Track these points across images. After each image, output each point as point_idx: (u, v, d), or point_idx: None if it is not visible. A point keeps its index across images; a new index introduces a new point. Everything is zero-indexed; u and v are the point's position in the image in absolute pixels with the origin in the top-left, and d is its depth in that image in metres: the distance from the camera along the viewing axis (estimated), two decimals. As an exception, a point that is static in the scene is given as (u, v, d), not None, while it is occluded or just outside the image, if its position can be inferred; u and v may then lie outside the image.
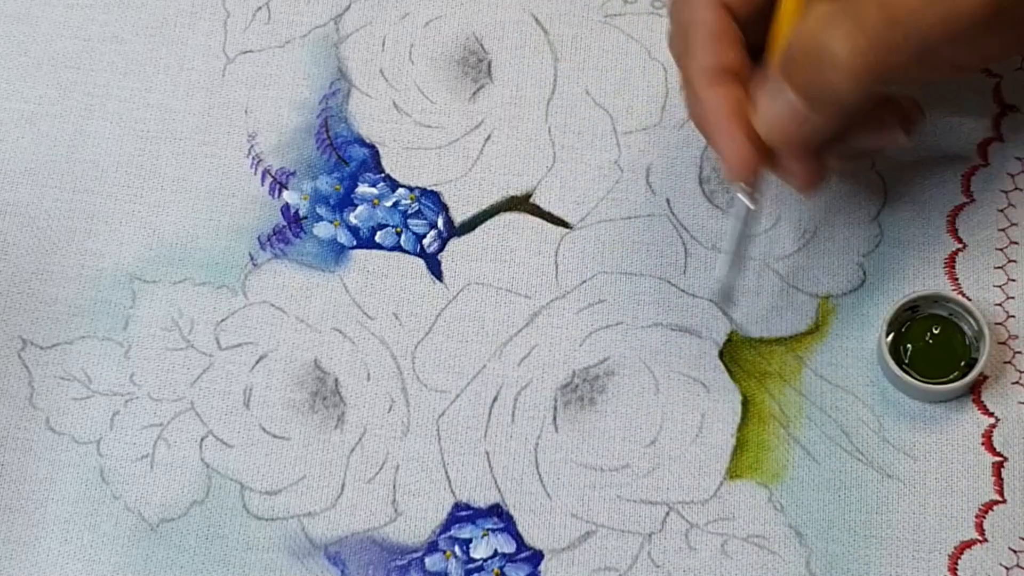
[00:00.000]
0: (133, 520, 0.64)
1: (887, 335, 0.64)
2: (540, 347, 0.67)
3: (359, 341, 0.67)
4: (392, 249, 0.69)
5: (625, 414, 0.65)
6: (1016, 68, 0.69)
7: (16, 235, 0.69)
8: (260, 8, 0.73)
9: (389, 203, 0.69)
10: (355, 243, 0.69)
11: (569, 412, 0.65)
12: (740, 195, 0.60)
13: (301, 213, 0.69)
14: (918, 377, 0.64)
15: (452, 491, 0.65)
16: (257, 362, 0.67)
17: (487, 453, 0.65)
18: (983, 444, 0.64)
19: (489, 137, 0.71)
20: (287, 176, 0.70)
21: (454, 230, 0.69)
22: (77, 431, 0.66)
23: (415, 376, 0.66)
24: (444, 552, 0.64)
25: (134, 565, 0.64)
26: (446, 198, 0.69)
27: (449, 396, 0.66)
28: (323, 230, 0.69)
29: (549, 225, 0.69)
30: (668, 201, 0.69)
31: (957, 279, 0.67)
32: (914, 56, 0.56)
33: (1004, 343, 0.65)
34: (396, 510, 0.64)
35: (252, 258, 0.69)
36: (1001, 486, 0.63)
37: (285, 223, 0.69)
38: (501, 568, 0.63)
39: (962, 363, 0.64)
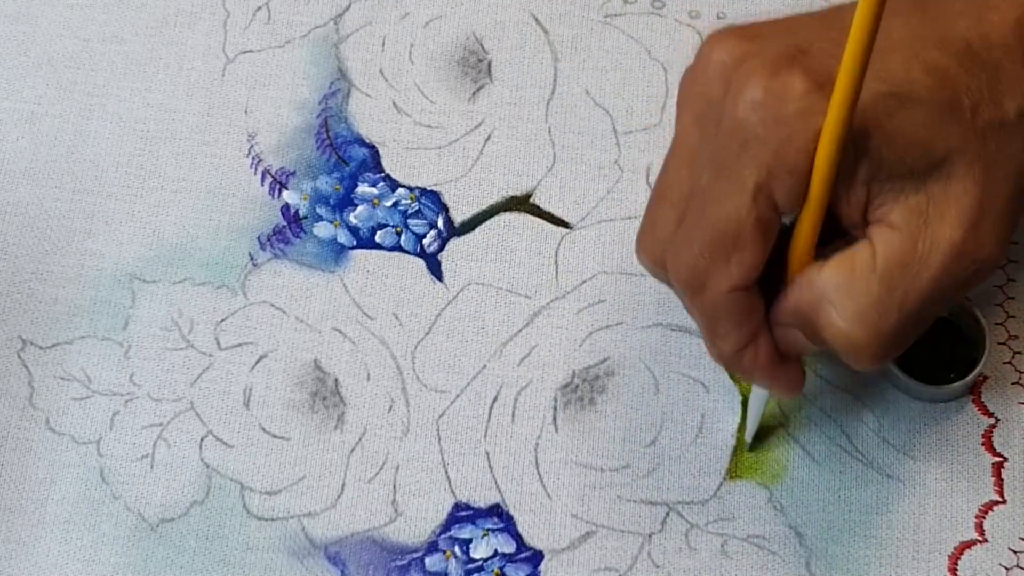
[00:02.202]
0: (133, 520, 0.64)
1: (887, 335, 0.64)
2: (540, 347, 0.67)
3: (359, 341, 0.67)
4: (392, 249, 0.69)
5: (625, 414, 0.65)
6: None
7: (16, 235, 0.69)
8: (260, 8, 0.73)
9: (389, 203, 0.69)
10: (355, 243, 0.69)
11: (569, 412, 0.65)
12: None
13: (301, 213, 0.69)
14: (918, 377, 0.64)
15: (452, 491, 0.65)
16: (257, 362, 0.67)
17: (487, 453, 0.65)
18: (983, 444, 0.64)
19: (489, 137, 0.71)
20: (287, 176, 0.70)
21: (454, 230, 0.69)
22: (77, 431, 0.66)
23: (415, 376, 0.66)
24: (444, 552, 0.64)
25: (134, 565, 0.63)
26: (446, 198, 0.70)
27: (449, 396, 0.66)
28: (323, 230, 0.69)
29: (549, 225, 0.69)
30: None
31: (957, 279, 0.67)
32: (921, 326, 0.56)
33: (1004, 343, 0.65)
34: (396, 510, 0.64)
35: (252, 258, 0.69)
36: (1001, 486, 0.63)
37: (285, 223, 0.69)
38: (501, 568, 0.63)
39: (962, 363, 0.64)
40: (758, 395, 0.62)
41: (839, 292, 0.54)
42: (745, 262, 0.54)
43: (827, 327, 0.55)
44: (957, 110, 0.53)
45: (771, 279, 0.56)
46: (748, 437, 0.64)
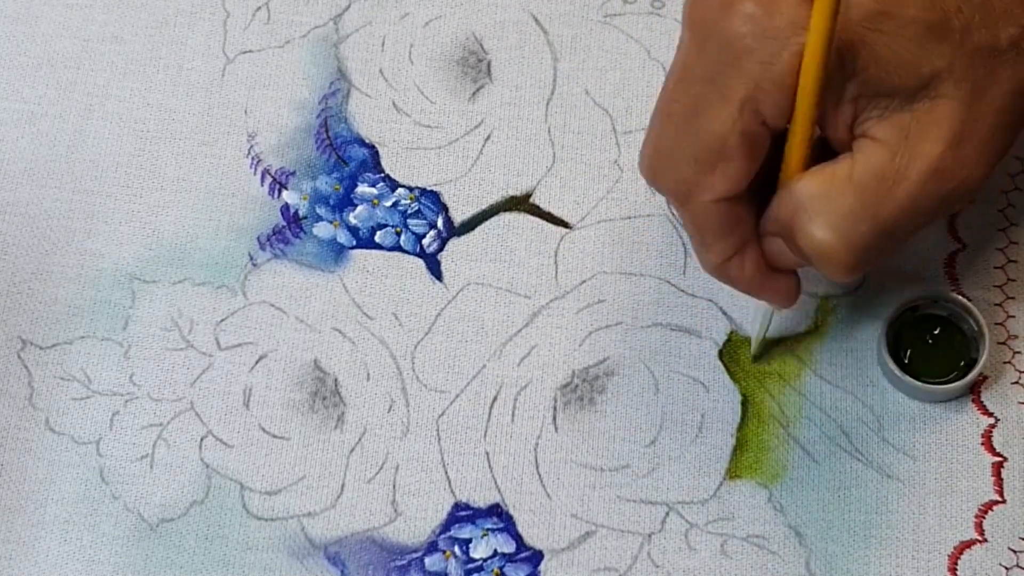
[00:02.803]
0: (133, 520, 0.64)
1: (887, 335, 0.64)
2: (540, 347, 0.67)
3: (359, 341, 0.67)
4: (392, 249, 0.69)
5: (625, 414, 0.65)
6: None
7: (16, 235, 0.69)
8: (260, 8, 0.73)
9: (389, 203, 0.69)
10: (355, 243, 0.69)
11: (569, 412, 0.65)
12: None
13: (301, 213, 0.69)
14: (918, 377, 0.64)
15: (452, 491, 0.65)
16: (257, 362, 0.67)
17: (487, 453, 0.65)
18: (983, 444, 0.64)
19: (489, 137, 0.71)
20: (287, 176, 0.70)
21: (454, 230, 0.69)
22: (77, 431, 0.66)
23: (415, 376, 0.66)
24: (444, 552, 0.64)
25: (134, 565, 0.64)
26: (446, 198, 0.70)
27: (449, 396, 0.66)
28: (323, 230, 0.69)
29: (549, 225, 0.69)
30: (668, 201, 0.69)
31: (957, 279, 0.67)
32: (897, 242, 0.56)
33: (1004, 343, 0.65)
34: (396, 510, 0.64)
35: (252, 258, 0.69)
36: (1001, 486, 0.63)
37: (285, 223, 0.69)
38: (501, 568, 0.63)
39: (962, 363, 0.64)
40: (760, 306, 0.63)
41: (815, 201, 0.55)
42: (730, 173, 0.55)
43: (802, 235, 0.55)
44: (946, 31, 0.53)
45: (769, 194, 0.57)
46: (753, 350, 0.65)
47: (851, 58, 0.53)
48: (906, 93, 0.54)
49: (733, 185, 0.55)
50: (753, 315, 0.65)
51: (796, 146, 0.55)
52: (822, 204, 0.55)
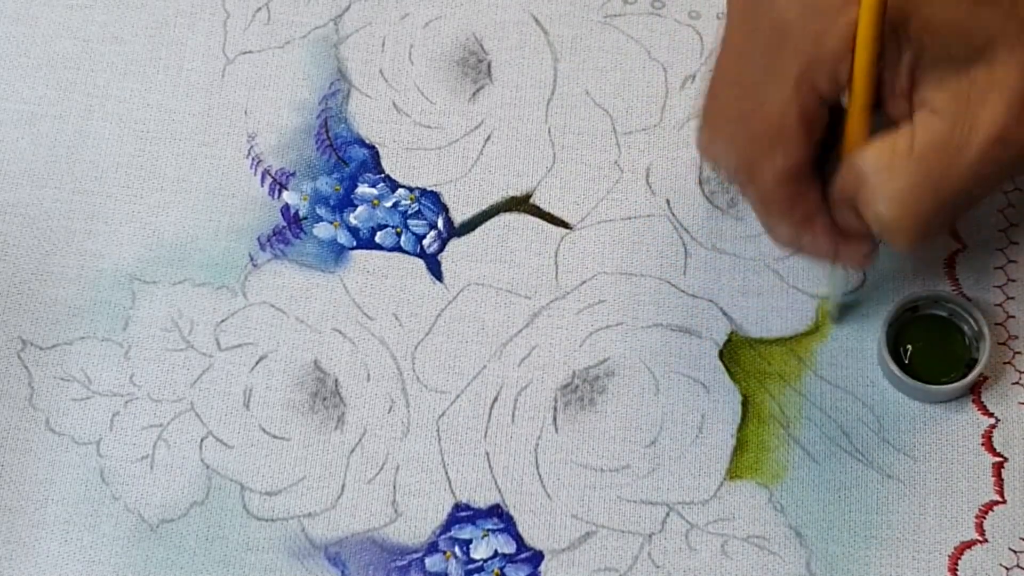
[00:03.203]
0: (133, 521, 0.64)
1: (887, 335, 0.64)
2: (540, 347, 0.67)
3: (359, 342, 0.67)
4: (392, 250, 0.69)
5: (625, 415, 0.65)
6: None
7: (16, 235, 0.69)
8: (260, 9, 0.73)
9: (389, 203, 0.70)
10: (355, 244, 0.69)
11: (569, 412, 0.65)
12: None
13: (301, 214, 0.69)
14: (918, 377, 0.64)
15: (452, 491, 0.65)
16: (257, 363, 0.67)
17: (487, 453, 0.65)
18: (983, 444, 0.64)
19: (489, 137, 0.71)
20: (287, 177, 0.70)
21: (454, 230, 0.69)
22: (77, 432, 0.66)
23: (415, 376, 0.66)
24: (444, 553, 0.64)
25: (134, 566, 0.64)
26: (446, 198, 0.70)
27: (449, 396, 0.66)
28: (323, 231, 0.69)
29: (549, 225, 0.69)
30: (668, 201, 0.69)
31: (957, 279, 0.67)
32: (962, 210, 0.57)
33: (1004, 343, 0.65)
34: (396, 510, 0.64)
35: (252, 259, 0.69)
36: (1001, 486, 0.63)
37: (285, 224, 0.69)
38: (501, 569, 0.63)
39: (962, 363, 0.64)
40: (834, 270, 0.64)
41: (877, 173, 0.55)
42: (790, 152, 0.56)
43: (865, 207, 0.55)
44: None
45: (834, 161, 0.57)
46: (831, 312, 0.65)
47: (903, 28, 0.54)
48: (961, 60, 0.54)
49: (794, 161, 0.56)
50: (828, 278, 0.65)
51: (856, 117, 0.55)
52: (886, 178, 0.55)
